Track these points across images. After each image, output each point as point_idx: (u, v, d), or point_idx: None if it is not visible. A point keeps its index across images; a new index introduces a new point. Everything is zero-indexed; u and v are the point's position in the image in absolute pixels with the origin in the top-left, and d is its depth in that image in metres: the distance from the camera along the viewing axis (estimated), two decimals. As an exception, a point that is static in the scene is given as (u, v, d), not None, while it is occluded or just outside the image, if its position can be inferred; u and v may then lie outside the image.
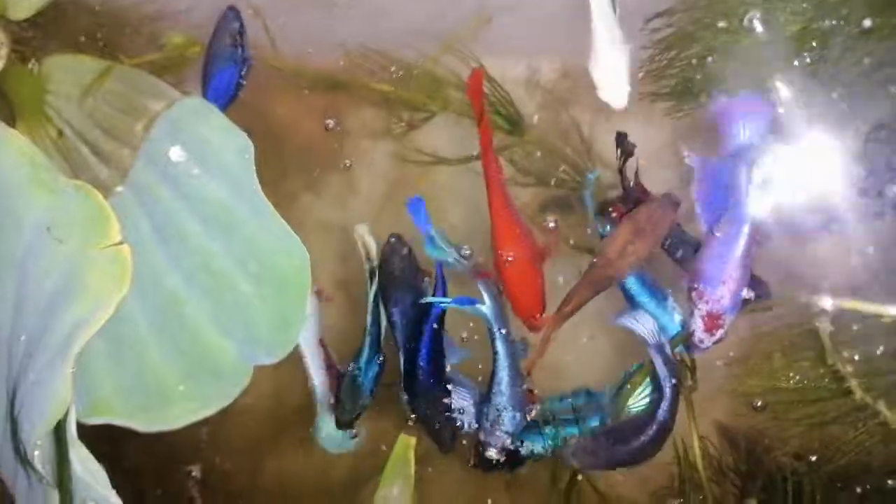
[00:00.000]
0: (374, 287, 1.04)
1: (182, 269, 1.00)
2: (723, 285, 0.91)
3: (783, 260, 1.03)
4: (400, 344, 1.03)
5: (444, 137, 1.25)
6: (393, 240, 1.03)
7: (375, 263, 1.05)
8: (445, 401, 1.01)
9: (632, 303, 0.99)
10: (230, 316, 0.97)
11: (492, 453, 1.00)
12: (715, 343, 0.94)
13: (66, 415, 0.88)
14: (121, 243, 0.93)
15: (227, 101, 1.07)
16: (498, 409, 0.98)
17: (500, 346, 0.97)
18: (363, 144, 1.33)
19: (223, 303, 0.97)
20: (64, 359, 0.91)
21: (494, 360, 0.98)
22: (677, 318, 0.98)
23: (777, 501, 1.06)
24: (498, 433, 0.99)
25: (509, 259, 0.98)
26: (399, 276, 1.03)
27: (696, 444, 1.06)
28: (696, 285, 0.92)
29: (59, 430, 0.91)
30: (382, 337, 1.06)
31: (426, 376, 1.01)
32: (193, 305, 0.98)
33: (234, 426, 1.27)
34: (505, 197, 0.99)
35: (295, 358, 1.13)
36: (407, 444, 1.03)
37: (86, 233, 0.96)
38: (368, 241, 1.06)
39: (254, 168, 0.94)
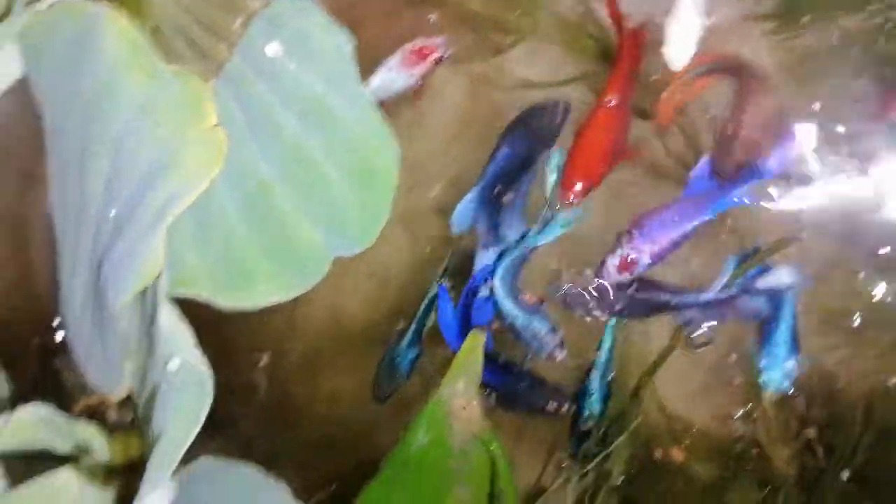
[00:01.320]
0: (437, 288, 1.12)
1: (273, 159, 1.02)
2: (652, 244, 1.03)
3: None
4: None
5: (530, 64, 1.25)
6: (553, 104, 1.08)
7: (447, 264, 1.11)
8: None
9: None
10: (317, 206, 1.00)
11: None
12: (617, 282, 1.05)
13: (157, 278, 0.91)
14: (216, 127, 0.97)
15: None
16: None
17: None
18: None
19: (311, 193, 1.00)
20: (157, 228, 0.94)
21: None
22: None
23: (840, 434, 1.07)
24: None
25: (610, 103, 1.04)
26: (533, 130, 1.06)
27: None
28: (633, 230, 1.04)
29: (145, 295, 0.95)
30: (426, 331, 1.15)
31: None
32: (282, 194, 1.01)
33: (300, 330, 1.29)
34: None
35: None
36: (476, 340, 1.06)
37: (183, 115, 0.98)
38: None
39: (353, 62, 0.96)
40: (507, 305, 1.11)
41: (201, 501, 0.94)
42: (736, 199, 1.05)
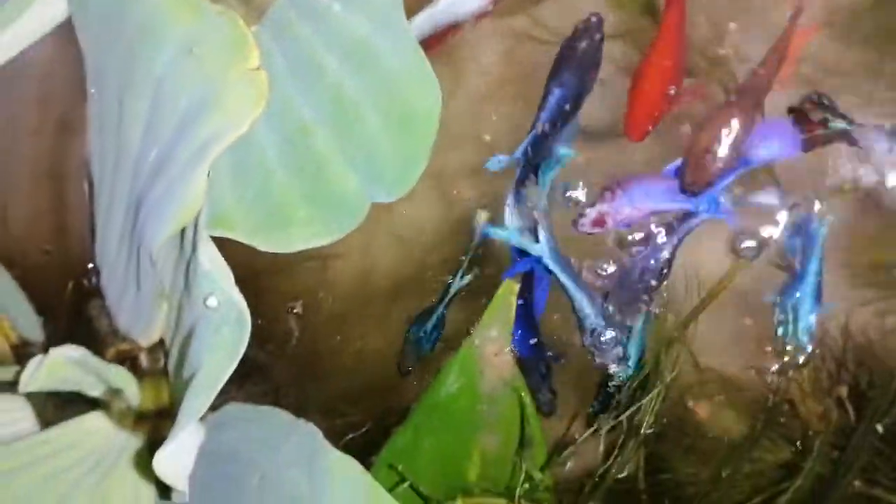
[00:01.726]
0: (458, 281, 1.11)
1: (314, 102, 1.02)
2: (631, 207, 1.02)
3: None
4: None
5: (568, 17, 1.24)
6: (594, 20, 1.06)
7: (470, 256, 1.11)
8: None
9: None
10: (357, 149, 1.00)
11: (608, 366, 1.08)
12: (588, 233, 1.04)
13: (197, 217, 0.92)
14: (258, 69, 0.97)
15: None
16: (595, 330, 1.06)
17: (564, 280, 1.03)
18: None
19: (351, 136, 1.00)
20: (197, 168, 0.94)
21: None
22: None
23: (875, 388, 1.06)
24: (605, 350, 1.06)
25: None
26: (578, 59, 1.05)
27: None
28: (615, 187, 1.03)
29: (183, 235, 0.95)
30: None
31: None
32: (322, 136, 1.01)
33: (331, 284, 1.30)
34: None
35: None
36: (510, 289, 1.06)
37: (226, 56, 0.98)
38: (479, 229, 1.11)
39: (400, 3, 0.96)
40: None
41: (230, 446, 0.94)
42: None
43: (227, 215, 1.02)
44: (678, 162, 1.05)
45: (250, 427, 0.97)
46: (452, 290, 1.16)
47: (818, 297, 1.09)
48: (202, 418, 0.85)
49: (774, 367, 1.12)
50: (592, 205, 1.05)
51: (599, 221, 1.05)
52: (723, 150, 1.00)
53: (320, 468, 0.89)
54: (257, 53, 0.97)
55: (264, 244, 1.01)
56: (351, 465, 0.87)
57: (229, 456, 0.93)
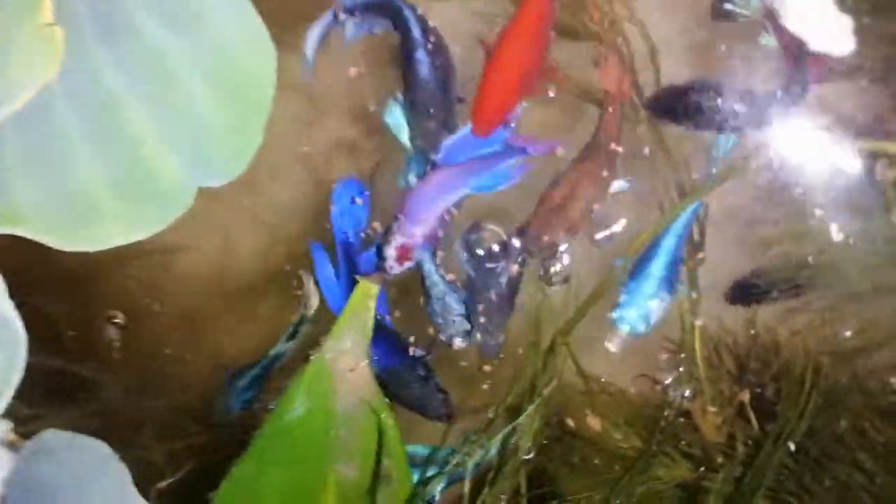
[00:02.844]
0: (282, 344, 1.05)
1: (127, 70, 0.86)
2: (421, 225, 0.97)
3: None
4: None
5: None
6: None
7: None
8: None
9: None
10: (178, 125, 0.84)
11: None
12: (401, 272, 0.99)
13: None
14: (52, 24, 0.81)
15: None
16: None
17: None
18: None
19: (172, 110, 0.84)
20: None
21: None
22: None
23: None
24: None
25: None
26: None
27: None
28: (401, 216, 0.98)
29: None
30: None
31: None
32: (136, 110, 0.84)
33: (179, 279, 1.16)
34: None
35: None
36: (367, 291, 0.91)
37: (12, 9, 0.82)
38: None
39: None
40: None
41: (43, 478, 0.88)
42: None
43: (18, 208, 0.84)
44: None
45: (64, 459, 0.88)
46: (273, 354, 1.06)
47: (670, 280, 0.99)
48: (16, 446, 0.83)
49: (667, 377, 1.01)
50: (388, 242, 0.99)
51: (405, 254, 0.99)
52: None
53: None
54: (49, 5, 0.80)
55: (65, 242, 0.83)
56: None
57: (40, 488, 0.86)
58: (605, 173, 1.00)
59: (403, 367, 1.00)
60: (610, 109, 1.02)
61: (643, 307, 1.01)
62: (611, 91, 1.03)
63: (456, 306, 1.01)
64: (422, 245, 0.99)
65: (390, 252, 0.97)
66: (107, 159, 0.85)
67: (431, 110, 1.01)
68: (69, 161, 0.85)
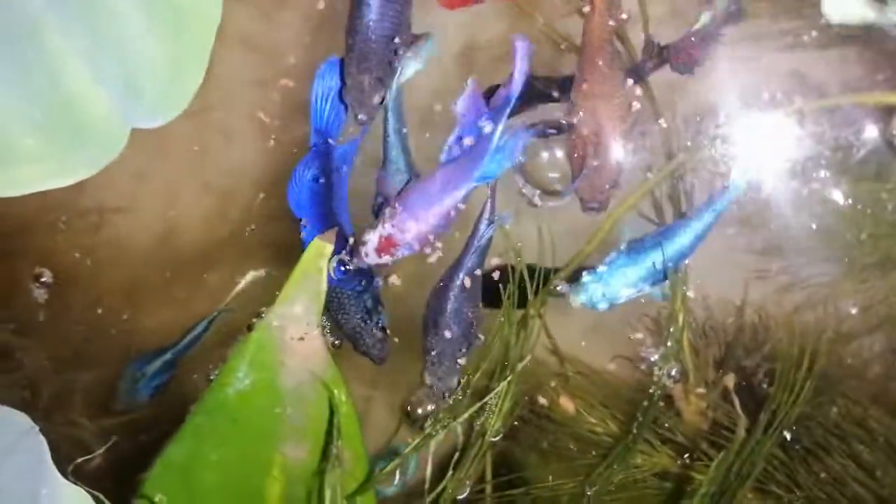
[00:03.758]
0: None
1: (50, -9, 0.75)
2: (415, 222, 0.88)
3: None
4: None
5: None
6: None
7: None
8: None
9: None
10: (108, 55, 0.75)
11: None
12: (376, 265, 0.90)
13: None
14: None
15: None
16: None
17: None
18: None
19: (101, 37, 0.75)
20: None
21: None
22: None
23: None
24: None
25: None
26: None
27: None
28: (395, 205, 0.89)
29: None
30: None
31: None
32: (59, 38, 0.75)
33: (117, 244, 1.07)
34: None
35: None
36: (320, 250, 0.81)
37: None
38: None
39: None
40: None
41: None
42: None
43: (-79, 146, 0.74)
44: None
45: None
46: (189, 338, 0.99)
47: (653, 278, 0.91)
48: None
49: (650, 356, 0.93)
50: (374, 227, 0.87)
51: (387, 247, 0.87)
52: None
53: (44, 495, 0.75)
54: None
55: (-24, 187, 0.73)
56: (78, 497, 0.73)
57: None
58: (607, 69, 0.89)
59: (352, 292, 0.91)
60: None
61: (614, 290, 0.92)
62: None
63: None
64: (409, 244, 0.88)
65: (372, 238, 0.87)
66: (25, 90, 0.76)
67: (369, 63, 0.90)
68: (-21, 93, 0.75)
